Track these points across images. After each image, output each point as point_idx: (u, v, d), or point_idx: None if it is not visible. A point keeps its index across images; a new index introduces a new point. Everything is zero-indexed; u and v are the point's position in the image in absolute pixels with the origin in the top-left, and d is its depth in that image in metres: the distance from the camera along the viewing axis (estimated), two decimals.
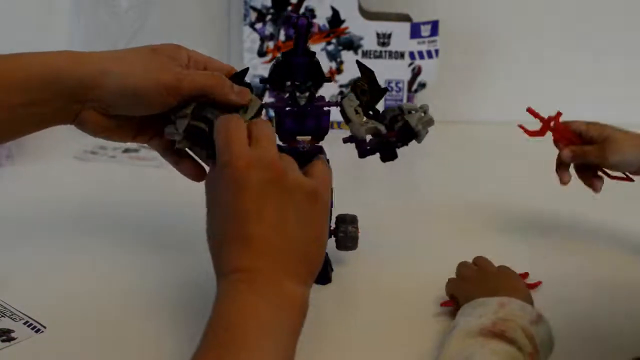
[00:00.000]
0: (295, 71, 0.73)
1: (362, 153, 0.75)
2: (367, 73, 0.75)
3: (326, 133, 0.76)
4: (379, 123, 0.74)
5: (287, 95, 0.75)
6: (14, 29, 1.33)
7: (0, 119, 0.69)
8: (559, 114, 0.86)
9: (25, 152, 1.19)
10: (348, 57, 1.34)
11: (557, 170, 0.86)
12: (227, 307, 0.53)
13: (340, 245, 0.79)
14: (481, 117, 1.43)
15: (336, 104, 0.75)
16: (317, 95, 0.76)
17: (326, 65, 1.34)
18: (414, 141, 0.75)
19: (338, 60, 1.34)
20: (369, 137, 0.75)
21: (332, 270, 0.80)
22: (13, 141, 1.20)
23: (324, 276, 0.79)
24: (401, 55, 1.34)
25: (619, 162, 0.83)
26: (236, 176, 0.57)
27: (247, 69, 0.73)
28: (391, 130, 0.74)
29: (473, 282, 0.72)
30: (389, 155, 0.75)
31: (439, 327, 0.70)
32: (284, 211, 0.57)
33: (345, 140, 0.74)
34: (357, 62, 0.76)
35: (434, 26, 1.32)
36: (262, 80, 0.75)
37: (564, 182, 0.85)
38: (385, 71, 1.33)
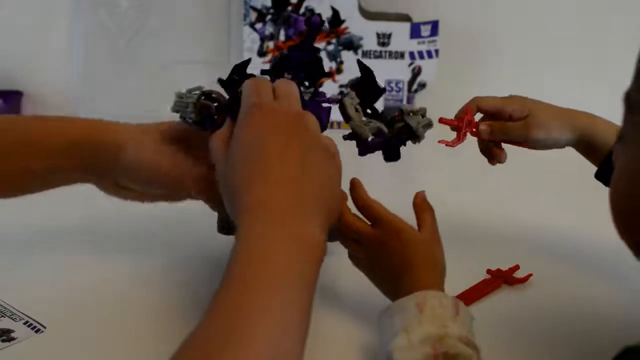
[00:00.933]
0: (299, 66, 0.74)
1: (363, 151, 0.75)
2: (366, 72, 0.75)
3: (324, 129, 0.76)
4: (380, 122, 0.74)
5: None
6: (14, 29, 1.33)
7: (19, 180, 0.71)
8: (469, 110, 0.84)
9: None
10: (348, 57, 1.34)
11: (481, 152, 0.86)
12: (243, 246, 0.52)
13: (330, 237, 0.79)
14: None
15: (337, 101, 0.75)
16: (321, 91, 0.76)
17: (326, 65, 1.34)
18: (411, 141, 0.75)
19: (338, 60, 1.34)
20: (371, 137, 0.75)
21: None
22: None
23: None
24: (401, 55, 1.34)
25: (545, 139, 0.81)
26: (261, 118, 0.58)
27: (249, 59, 0.73)
28: (390, 129, 0.74)
29: (375, 259, 0.71)
30: (392, 156, 0.75)
31: None
32: (305, 157, 0.57)
33: (345, 138, 0.74)
34: (358, 61, 0.76)
35: (434, 26, 1.32)
36: (264, 72, 0.76)
37: (491, 162, 0.85)
38: (385, 71, 1.33)
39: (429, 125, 0.75)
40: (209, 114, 0.70)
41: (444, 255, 0.69)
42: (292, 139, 0.58)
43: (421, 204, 0.72)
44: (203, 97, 0.71)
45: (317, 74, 0.75)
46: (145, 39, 1.35)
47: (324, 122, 0.75)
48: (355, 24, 1.33)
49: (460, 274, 0.79)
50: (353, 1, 1.32)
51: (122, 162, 0.71)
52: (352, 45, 1.34)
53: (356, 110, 0.74)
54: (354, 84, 0.76)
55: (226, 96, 0.71)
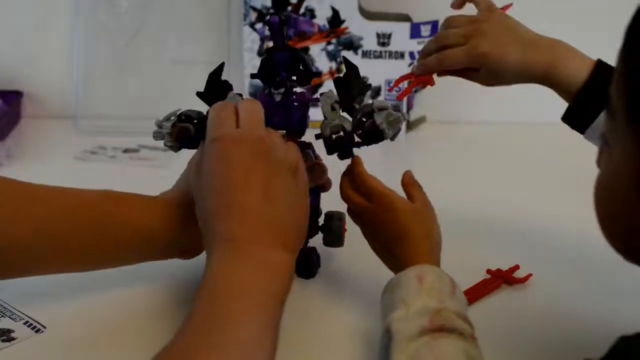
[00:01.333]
0: (278, 66, 0.75)
1: (328, 150, 0.75)
2: (350, 68, 0.75)
3: (301, 128, 0.76)
4: (346, 120, 0.74)
5: (266, 90, 0.76)
6: (14, 29, 1.33)
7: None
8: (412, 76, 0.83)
9: (25, 152, 1.19)
10: (348, 57, 1.34)
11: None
12: (213, 276, 0.55)
13: (327, 242, 0.79)
14: (480, 117, 1.43)
15: (315, 99, 0.76)
16: (301, 90, 0.77)
17: (326, 65, 1.34)
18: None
19: (338, 60, 1.34)
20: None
21: (319, 265, 0.81)
22: (13, 141, 1.21)
23: (309, 271, 0.79)
24: (401, 55, 1.34)
25: (492, 70, 0.78)
26: (224, 149, 0.61)
27: (223, 64, 0.74)
28: (359, 128, 0.74)
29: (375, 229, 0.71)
30: (343, 154, 0.75)
31: None
32: (270, 182, 0.60)
33: (316, 137, 0.75)
34: (343, 57, 0.77)
35: (434, 26, 1.32)
36: (252, 75, 0.77)
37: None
38: (385, 71, 1.33)
39: (397, 120, 0.72)
40: (189, 135, 0.71)
41: (438, 225, 0.70)
42: (255, 166, 0.60)
43: (409, 182, 0.73)
44: (177, 122, 0.72)
45: (303, 73, 0.76)
46: (145, 39, 1.35)
47: (294, 118, 0.75)
48: (355, 24, 1.33)
49: (460, 274, 0.79)
50: (353, 1, 1.32)
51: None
52: (352, 45, 1.34)
53: (333, 108, 0.74)
54: (336, 80, 0.75)
55: (204, 111, 0.71)
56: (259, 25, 1.34)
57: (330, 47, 1.34)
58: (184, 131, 0.71)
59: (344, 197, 0.73)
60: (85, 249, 0.71)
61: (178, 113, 0.72)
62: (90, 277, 0.78)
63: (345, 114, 0.74)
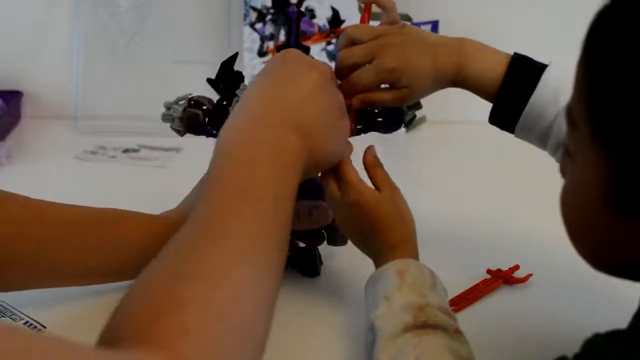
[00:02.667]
0: None
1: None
2: None
3: None
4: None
5: None
6: (14, 29, 1.33)
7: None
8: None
9: (25, 152, 1.19)
10: None
11: None
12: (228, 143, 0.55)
13: (330, 240, 0.79)
14: (480, 117, 1.43)
15: None
16: None
17: None
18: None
19: None
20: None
21: (321, 263, 0.81)
22: (13, 141, 1.21)
23: (313, 270, 0.80)
24: None
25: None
26: (290, 59, 0.64)
27: (237, 54, 0.74)
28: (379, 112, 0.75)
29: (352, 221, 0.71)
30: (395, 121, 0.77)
31: None
32: (321, 92, 0.62)
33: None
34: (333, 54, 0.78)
35: (434, 26, 1.32)
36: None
37: None
38: None
39: (417, 106, 0.77)
40: (198, 122, 0.71)
41: (407, 206, 0.70)
42: (313, 74, 0.62)
43: (371, 160, 0.72)
44: (188, 107, 0.71)
45: None
46: (145, 39, 1.35)
47: None
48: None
49: (460, 274, 0.79)
50: (353, 1, 1.32)
51: None
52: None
53: None
54: None
55: (214, 98, 0.72)
56: (259, 25, 1.34)
57: (330, 47, 1.34)
58: (194, 117, 0.71)
59: (322, 178, 0.71)
60: (85, 266, 0.72)
61: (189, 97, 0.72)
62: None
63: None
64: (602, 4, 0.48)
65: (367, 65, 0.72)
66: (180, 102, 0.72)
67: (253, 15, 1.33)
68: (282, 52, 0.64)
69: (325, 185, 0.71)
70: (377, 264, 0.67)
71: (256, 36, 1.34)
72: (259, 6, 1.32)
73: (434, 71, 0.74)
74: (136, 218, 0.75)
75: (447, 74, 0.74)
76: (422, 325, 0.59)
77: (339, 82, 0.73)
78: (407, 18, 1.35)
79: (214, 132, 0.72)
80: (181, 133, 0.73)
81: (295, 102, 0.60)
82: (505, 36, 1.45)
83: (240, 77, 0.73)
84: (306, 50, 0.75)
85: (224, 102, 0.72)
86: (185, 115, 0.71)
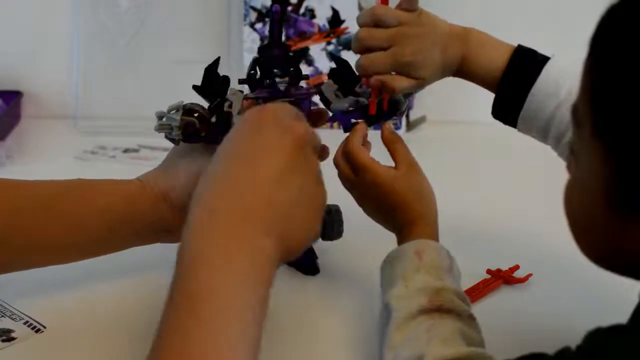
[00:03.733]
0: (272, 63, 0.76)
1: (346, 126, 0.76)
2: (342, 64, 0.78)
3: (309, 116, 0.77)
4: (359, 97, 0.76)
5: (269, 83, 0.76)
6: (14, 29, 1.33)
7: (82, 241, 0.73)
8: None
9: (25, 152, 1.19)
10: (348, 57, 1.33)
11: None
12: (194, 240, 0.51)
13: (325, 235, 0.79)
14: (480, 117, 1.43)
15: (316, 91, 0.77)
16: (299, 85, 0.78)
17: (326, 65, 1.34)
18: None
19: None
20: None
21: (317, 257, 0.81)
22: (13, 141, 1.21)
23: (313, 267, 0.80)
24: None
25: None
26: (262, 119, 0.55)
27: (219, 58, 0.74)
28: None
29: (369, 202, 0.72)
30: (375, 118, 0.76)
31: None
32: (291, 172, 0.53)
33: (329, 120, 0.77)
34: (331, 54, 0.78)
35: None
36: (241, 81, 0.77)
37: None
38: None
39: (409, 94, 0.76)
40: (195, 129, 0.71)
41: (427, 180, 0.71)
42: (286, 147, 0.54)
43: (390, 137, 0.73)
44: (184, 115, 0.72)
45: (296, 73, 0.77)
46: (145, 39, 1.35)
47: (304, 107, 0.76)
48: (355, 24, 1.32)
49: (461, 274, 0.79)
50: (353, 1, 1.32)
51: None
52: (352, 45, 1.34)
53: (336, 95, 0.76)
54: (330, 73, 0.78)
55: (205, 104, 0.72)
56: (259, 25, 1.34)
57: (330, 47, 1.34)
58: (190, 125, 0.71)
59: (335, 164, 0.72)
60: (61, 240, 0.71)
61: (182, 105, 0.72)
62: (91, 277, 0.78)
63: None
64: (608, 3, 0.49)
65: (384, 51, 0.73)
66: (172, 112, 0.72)
67: (253, 15, 1.33)
68: (256, 111, 0.57)
69: (340, 171, 0.72)
70: (399, 241, 0.68)
71: (256, 36, 1.34)
72: (259, 6, 1.32)
73: (443, 63, 0.75)
74: (104, 184, 0.74)
75: (453, 65, 0.76)
76: (437, 309, 0.60)
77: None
78: None
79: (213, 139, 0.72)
80: (177, 142, 0.73)
81: (268, 190, 0.52)
82: (506, 35, 1.46)
83: (226, 81, 0.74)
84: (287, 49, 0.76)
85: (217, 107, 0.72)
86: (183, 124, 0.71)
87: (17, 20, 1.33)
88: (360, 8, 1.33)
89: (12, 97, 1.29)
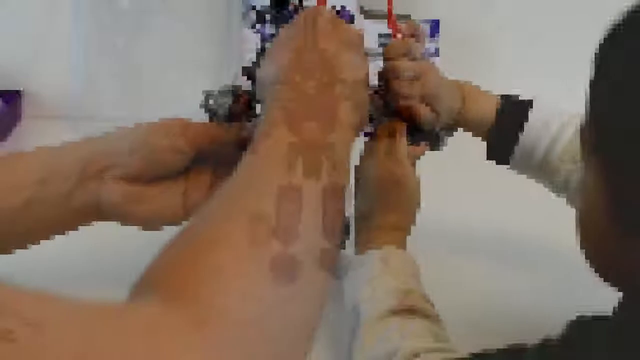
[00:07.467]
0: None
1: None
2: None
3: None
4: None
5: None
6: (14, 29, 1.33)
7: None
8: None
9: None
10: None
11: None
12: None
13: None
14: None
15: None
16: None
17: None
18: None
19: None
20: None
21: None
22: (13, 141, 1.21)
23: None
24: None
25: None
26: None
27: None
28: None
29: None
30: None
31: None
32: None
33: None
34: None
35: (434, 26, 1.32)
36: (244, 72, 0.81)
37: None
38: None
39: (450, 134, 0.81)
40: (238, 115, 0.74)
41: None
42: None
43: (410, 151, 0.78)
44: (233, 102, 0.74)
45: None
46: (145, 39, 1.35)
47: None
48: (355, 24, 1.33)
49: (460, 274, 0.79)
50: (353, 1, 1.32)
51: None
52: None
53: None
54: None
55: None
56: (259, 26, 1.34)
57: None
58: (235, 114, 0.74)
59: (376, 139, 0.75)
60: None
61: (231, 90, 0.74)
62: (90, 277, 0.79)
63: None
64: (606, 27, 0.51)
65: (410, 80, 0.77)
66: (220, 96, 0.73)
67: (253, 16, 1.33)
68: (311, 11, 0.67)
69: (377, 142, 0.74)
70: (368, 240, 0.69)
71: (256, 36, 1.34)
72: (259, 6, 1.32)
73: (453, 105, 0.80)
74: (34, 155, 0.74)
75: (450, 116, 0.80)
76: (407, 310, 0.60)
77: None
78: (407, 18, 1.35)
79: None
80: (219, 120, 0.75)
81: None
82: (506, 35, 1.46)
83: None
84: None
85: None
86: (230, 111, 0.73)
87: (17, 20, 1.33)
88: (361, 8, 1.33)
89: (12, 97, 1.30)
